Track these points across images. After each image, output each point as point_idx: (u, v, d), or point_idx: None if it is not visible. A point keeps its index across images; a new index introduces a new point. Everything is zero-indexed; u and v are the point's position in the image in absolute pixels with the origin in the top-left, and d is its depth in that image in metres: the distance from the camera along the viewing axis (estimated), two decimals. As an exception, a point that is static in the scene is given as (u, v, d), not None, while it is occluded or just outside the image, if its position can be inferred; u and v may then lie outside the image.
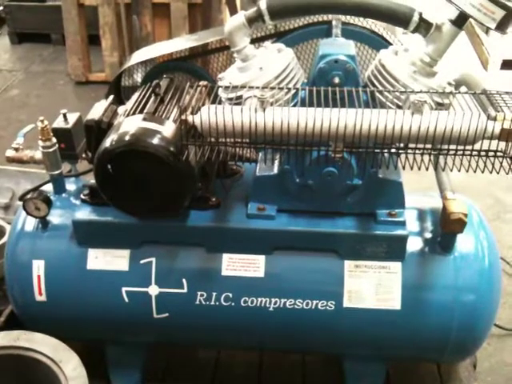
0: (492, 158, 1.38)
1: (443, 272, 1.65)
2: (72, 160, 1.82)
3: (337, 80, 1.49)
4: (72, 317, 1.76)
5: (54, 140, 1.71)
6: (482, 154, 1.38)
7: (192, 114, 1.39)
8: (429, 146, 1.39)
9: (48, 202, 1.70)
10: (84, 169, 1.88)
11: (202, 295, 1.67)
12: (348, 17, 1.84)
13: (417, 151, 1.41)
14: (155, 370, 2.01)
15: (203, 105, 1.42)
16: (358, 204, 1.64)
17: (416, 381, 2.06)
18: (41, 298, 1.73)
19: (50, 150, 1.71)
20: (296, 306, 1.66)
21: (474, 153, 1.38)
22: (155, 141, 1.47)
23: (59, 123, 1.75)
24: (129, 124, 1.53)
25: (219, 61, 2.14)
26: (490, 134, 1.35)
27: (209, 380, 2.02)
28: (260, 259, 1.66)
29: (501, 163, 1.38)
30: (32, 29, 5.01)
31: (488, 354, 2.18)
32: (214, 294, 1.67)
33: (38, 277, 1.71)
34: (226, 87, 1.51)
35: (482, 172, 1.39)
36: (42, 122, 1.68)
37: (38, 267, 1.71)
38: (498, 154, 1.38)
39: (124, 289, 1.69)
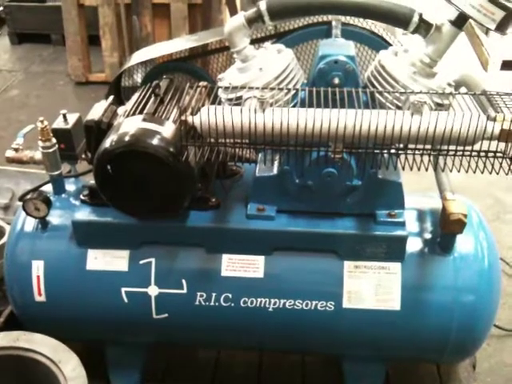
0: (491, 159, 1.38)
1: (443, 273, 1.65)
2: (72, 160, 1.82)
3: (336, 81, 1.49)
4: (71, 317, 1.76)
5: (54, 140, 1.71)
6: (482, 154, 1.38)
7: (192, 114, 1.39)
8: (428, 146, 1.39)
9: (48, 203, 1.70)
10: (84, 169, 1.88)
11: (201, 296, 1.67)
12: (348, 17, 1.84)
13: (416, 152, 1.41)
14: (155, 371, 2.01)
15: (203, 105, 1.42)
16: (358, 204, 1.64)
17: (415, 381, 2.06)
18: (40, 298, 1.73)
19: (50, 150, 1.71)
20: (295, 307, 1.66)
21: (474, 153, 1.38)
22: (155, 141, 1.47)
23: (59, 124, 1.75)
24: (128, 124, 1.53)
25: (219, 61, 2.14)
26: (489, 135, 1.35)
27: (208, 380, 2.02)
28: (259, 260, 1.66)
29: (500, 164, 1.38)
30: (32, 29, 5.00)
31: (487, 354, 2.18)
32: (214, 294, 1.67)
33: (38, 277, 1.71)
34: (226, 88, 1.51)
35: (482, 172, 1.39)
36: (41, 122, 1.68)
37: (38, 268, 1.71)
38: (498, 154, 1.38)
39: (123, 289, 1.69)
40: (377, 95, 1.47)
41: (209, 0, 3.76)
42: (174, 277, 1.68)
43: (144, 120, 1.54)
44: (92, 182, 1.63)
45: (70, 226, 1.70)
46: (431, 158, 1.45)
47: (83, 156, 1.79)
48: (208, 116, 1.38)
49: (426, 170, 1.42)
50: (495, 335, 2.23)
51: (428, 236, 1.70)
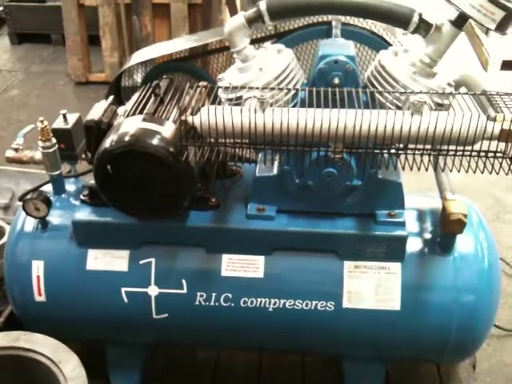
0: (491, 159, 1.38)
1: (443, 273, 1.65)
2: (72, 160, 1.82)
3: (336, 81, 1.49)
4: (71, 317, 1.76)
5: (54, 140, 1.71)
6: (482, 154, 1.38)
7: (192, 114, 1.39)
8: (428, 146, 1.39)
9: (48, 203, 1.70)
10: (84, 169, 1.88)
11: (201, 296, 1.67)
12: (348, 17, 1.84)
13: (416, 152, 1.41)
14: (155, 371, 2.01)
15: (203, 105, 1.42)
16: (358, 204, 1.64)
17: (415, 381, 2.06)
18: (40, 298, 1.73)
19: (50, 150, 1.71)
20: (295, 307, 1.66)
21: (474, 153, 1.38)
22: (155, 141, 1.47)
23: (59, 124, 1.75)
24: (128, 124, 1.53)
25: (219, 61, 2.14)
26: (489, 135, 1.35)
27: (208, 381, 2.02)
28: (259, 260, 1.66)
29: (500, 164, 1.38)
30: (32, 29, 5.00)
31: (487, 354, 2.18)
32: (214, 294, 1.67)
33: (38, 277, 1.71)
34: (226, 88, 1.51)
35: (482, 172, 1.39)
36: (41, 122, 1.68)
37: (38, 268, 1.71)
38: (498, 154, 1.38)
39: (123, 289, 1.69)
40: (377, 95, 1.47)
41: (209, 0, 3.76)
42: (173, 277, 1.68)
43: (144, 120, 1.54)
44: (92, 181, 1.63)
45: (70, 226, 1.70)
46: (431, 158, 1.45)
47: (83, 156, 1.79)
48: (208, 116, 1.38)
49: (426, 169, 1.42)
50: (495, 335, 2.23)
51: (428, 236, 1.70)
